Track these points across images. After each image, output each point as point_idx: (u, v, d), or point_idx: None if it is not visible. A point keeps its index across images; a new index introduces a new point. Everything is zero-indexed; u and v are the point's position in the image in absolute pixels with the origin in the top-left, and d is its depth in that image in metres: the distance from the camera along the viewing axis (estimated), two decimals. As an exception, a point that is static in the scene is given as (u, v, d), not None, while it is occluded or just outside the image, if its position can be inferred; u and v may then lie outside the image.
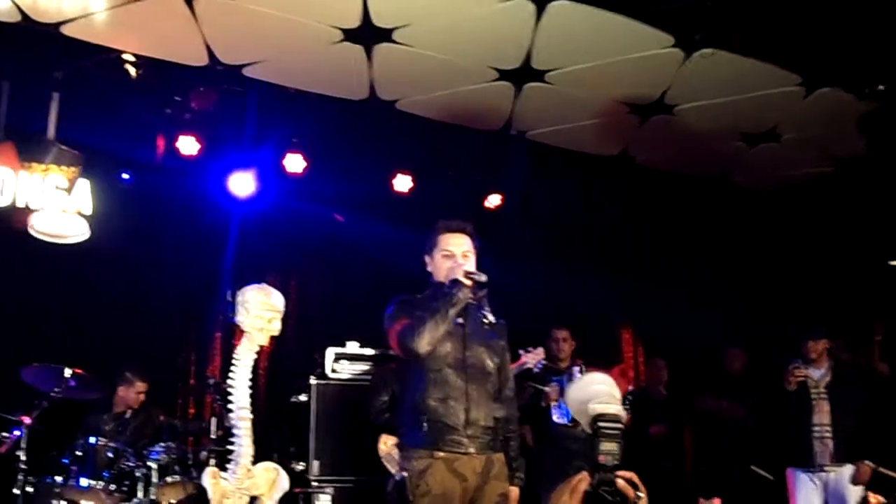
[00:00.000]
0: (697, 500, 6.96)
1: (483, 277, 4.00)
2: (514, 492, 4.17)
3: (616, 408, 2.45)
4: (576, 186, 8.66)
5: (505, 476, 4.11)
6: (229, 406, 3.75)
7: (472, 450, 3.96)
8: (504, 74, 6.65)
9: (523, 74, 6.62)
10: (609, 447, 2.36)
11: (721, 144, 7.89)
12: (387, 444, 6.21)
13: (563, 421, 6.56)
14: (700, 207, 8.88)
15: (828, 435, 6.41)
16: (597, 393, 2.49)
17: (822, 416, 6.45)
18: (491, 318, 4.16)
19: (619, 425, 2.39)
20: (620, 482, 2.33)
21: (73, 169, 6.98)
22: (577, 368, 6.59)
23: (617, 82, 6.76)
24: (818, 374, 6.56)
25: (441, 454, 3.93)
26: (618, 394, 2.54)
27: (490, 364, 4.15)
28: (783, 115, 7.31)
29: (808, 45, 6.19)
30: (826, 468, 6.38)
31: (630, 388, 8.73)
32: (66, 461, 5.91)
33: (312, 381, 6.78)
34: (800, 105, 6.99)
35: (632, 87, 6.87)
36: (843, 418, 6.40)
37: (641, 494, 2.35)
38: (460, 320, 4.08)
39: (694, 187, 8.68)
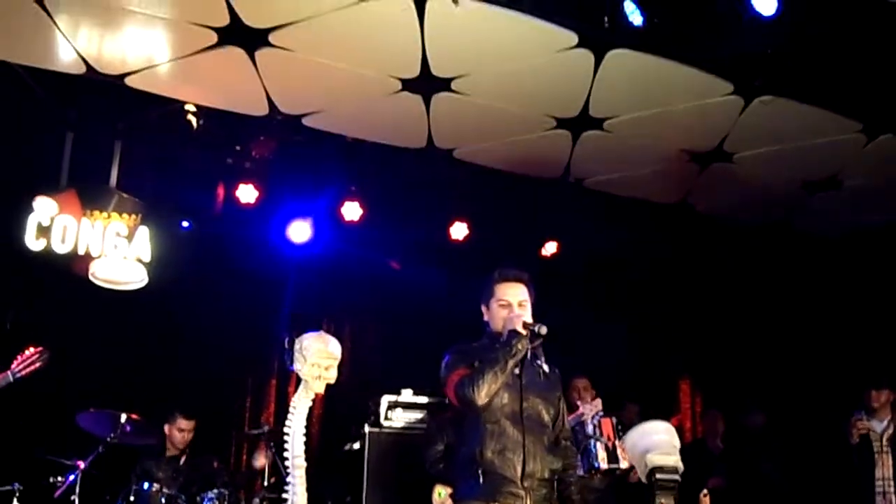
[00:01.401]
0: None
1: (543, 329, 3.97)
2: None
3: (675, 459, 2.43)
4: (634, 235, 8.56)
5: None
6: (284, 454, 3.71)
7: (528, 502, 3.91)
8: (562, 123, 6.63)
9: (581, 123, 6.60)
10: (665, 500, 2.33)
11: (781, 192, 7.77)
12: (441, 495, 6.14)
13: (580, 472, 6.45)
14: (761, 256, 8.72)
15: (890, 490, 6.29)
16: (657, 444, 2.47)
17: (885, 470, 6.33)
18: (546, 368, 4.14)
19: (677, 477, 2.36)
20: None
21: (133, 217, 7.10)
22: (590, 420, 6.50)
23: (676, 130, 6.71)
24: (881, 426, 6.44)
25: None
26: (678, 444, 2.50)
27: (546, 416, 4.10)
28: (844, 163, 7.18)
29: (869, 92, 6.10)
30: None
31: None
32: (119, 506, 5.94)
33: (366, 429, 6.75)
34: (861, 152, 6.87)
35: (691, 134, 6.81)
36: None
37: None
38: (517, 371, 4.05)
39: (755, 236, 8.54)
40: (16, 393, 5.38)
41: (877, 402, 6.44)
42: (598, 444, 6.37)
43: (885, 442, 6.36)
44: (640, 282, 9.03)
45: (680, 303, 9.19)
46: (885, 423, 6.42)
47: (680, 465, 2.41)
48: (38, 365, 5.34)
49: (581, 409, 6.27)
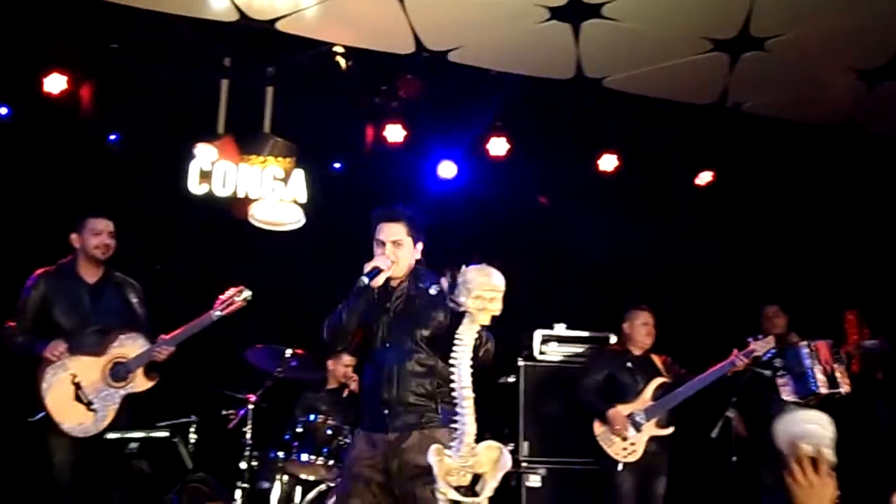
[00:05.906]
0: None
1: (363, 280, 3.96)
2: None
3: (827, 452, 2.32)
4: (798, 160, 8.13)
5: (427, 449, 3.68)
6: (451, 385, 3.74)
7: (392, 429, 3.96)
8: (719, 45, 6.35)
9: (741, 43, 6.29)
10: None
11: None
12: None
13: (794, 398, 6.22)
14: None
15: None
16: (809, 433, 2.37)
17: None
18: (433, 290, 4.09)
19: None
20: None
21: (288, 160, 7.28)
22: (803, 345, 6.28)
23: (843, 44, 6.27)
24: None
25: (362, 432, 4.08)
26: (831, 434, 2.40)
27: (417, 338, 4.05)
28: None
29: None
30: None
31: None
32: (288, 437, 6.15)
33: (520, 362, 6.81)
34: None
35: (859, 47, 6.35)
36: None
37: None
38: (387, 303, 4.11)
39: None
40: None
41: None
42: (817, 368, 6.13)
43: None
44: (803, 210, 8.60)
45: (852, 229, 8.69)
46: None
47: (833, 460, 2.34)
48: (239, 303, 5.47)
49: (752, 346, 6.06)
